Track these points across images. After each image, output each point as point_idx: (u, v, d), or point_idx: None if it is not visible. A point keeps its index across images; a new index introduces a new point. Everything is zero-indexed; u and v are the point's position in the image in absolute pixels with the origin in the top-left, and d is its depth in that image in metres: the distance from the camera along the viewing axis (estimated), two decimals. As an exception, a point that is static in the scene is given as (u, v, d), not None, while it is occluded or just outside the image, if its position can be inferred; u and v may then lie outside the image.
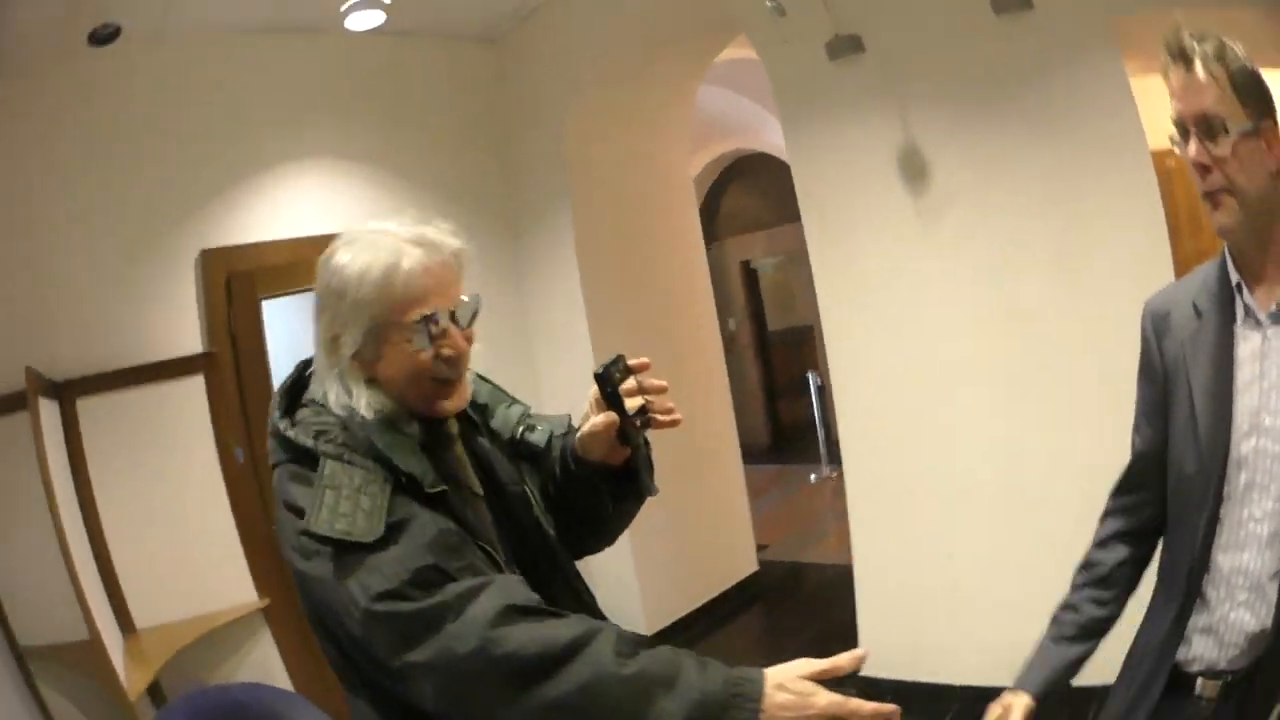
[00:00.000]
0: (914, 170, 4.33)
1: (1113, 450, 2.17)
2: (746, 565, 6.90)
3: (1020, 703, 1.98)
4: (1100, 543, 2.17)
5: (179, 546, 4.58)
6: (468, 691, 1.51)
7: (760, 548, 7.25)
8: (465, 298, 1.77)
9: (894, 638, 4.67)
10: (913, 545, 4.61)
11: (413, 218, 1.76)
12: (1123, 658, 2.13)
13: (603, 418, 1.84)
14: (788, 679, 1.49)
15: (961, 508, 4.40)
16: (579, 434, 1.93)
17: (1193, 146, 1.73)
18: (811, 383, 9.47)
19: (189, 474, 4.72)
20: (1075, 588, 2.16)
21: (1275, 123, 1.73)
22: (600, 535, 2.13)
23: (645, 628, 5.85)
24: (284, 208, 5.13)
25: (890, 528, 4.72)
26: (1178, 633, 1.94)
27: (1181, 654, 1.95)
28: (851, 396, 4.79)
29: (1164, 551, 2.09)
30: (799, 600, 6.84)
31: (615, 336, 5.67)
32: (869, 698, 1.46)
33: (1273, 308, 1.80)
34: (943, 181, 4.26)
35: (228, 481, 4.80)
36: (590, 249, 5.87)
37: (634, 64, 5.87)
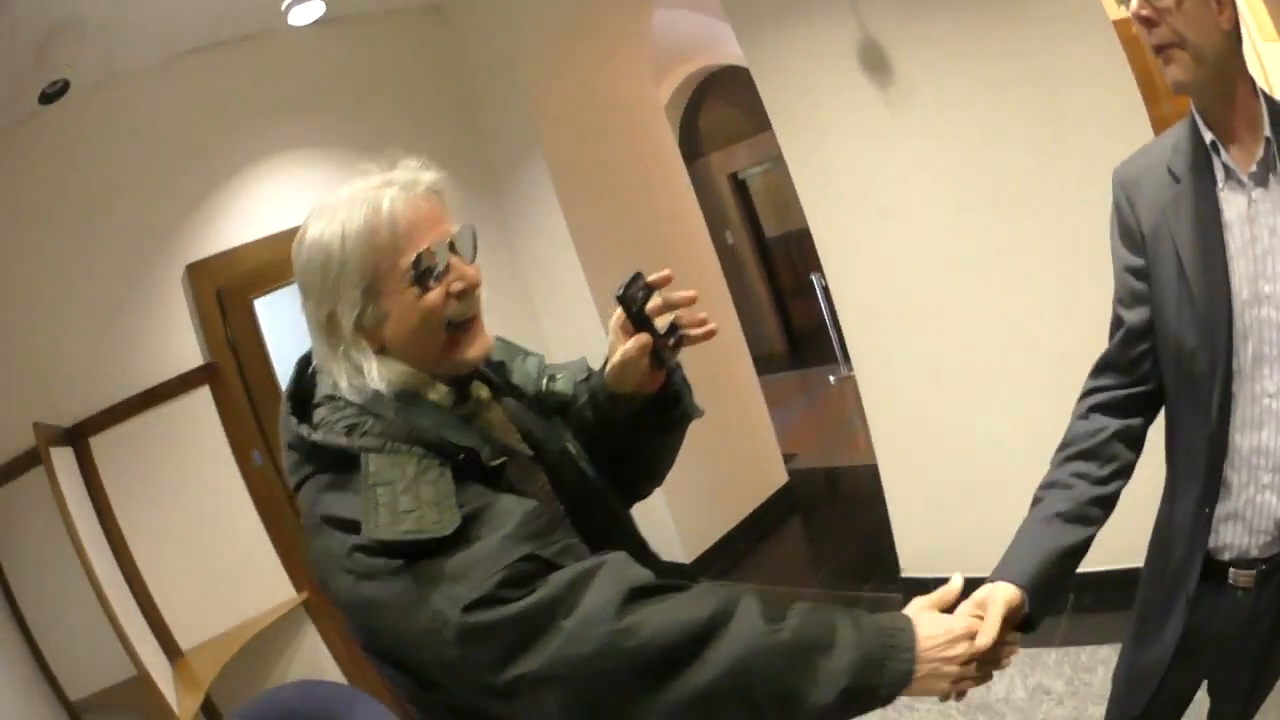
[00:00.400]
0: (874, 62, 4.25)
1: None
2: (777, 478, 6.90)
3: (999, 595, 1.67)
4: (1083, 416, 2.06)
5: (211, 560, 4.65)
6: (602, 697, 1.33)
7: (789, 457, 7.25)
8: (456, 228, 1.59)
9: (928, 535, 4.70)
10: (934, 441, 4.60)
11: (377, 167, 1.59)
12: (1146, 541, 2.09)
13: (634, 342, 1.66)
14: (921, 616, 1.48)
15: (973, 393, 4.39)
16: (608, 367, 1.75)
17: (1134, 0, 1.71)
18: (816, 284, 9.43)
19: (209, 486, 4.77)
20: (1059, 464, 2.01)
21: None
22: (651, 473, 1.97)
23: (684, 556, 5.89)
24: (260, 208, 5.12)
25: (910, 426, 4.71)
26: (1203, 518, 1.90)
27: (1211, 542, 1.91)
28: (850, 296, 4.76)
29: (1170, 431, 2.02)
30: (834, 506, 6.88)
31: (610, 270, 5.60)
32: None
33: (1253, 168, 1.77)
34: (905, 70, 4.19)
35: (249, 485, 4.85)
36: (570, 190, 5.83)
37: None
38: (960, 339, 4.38)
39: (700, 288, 1.71)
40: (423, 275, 1.51)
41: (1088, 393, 2.08)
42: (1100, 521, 1.91)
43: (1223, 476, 1.86)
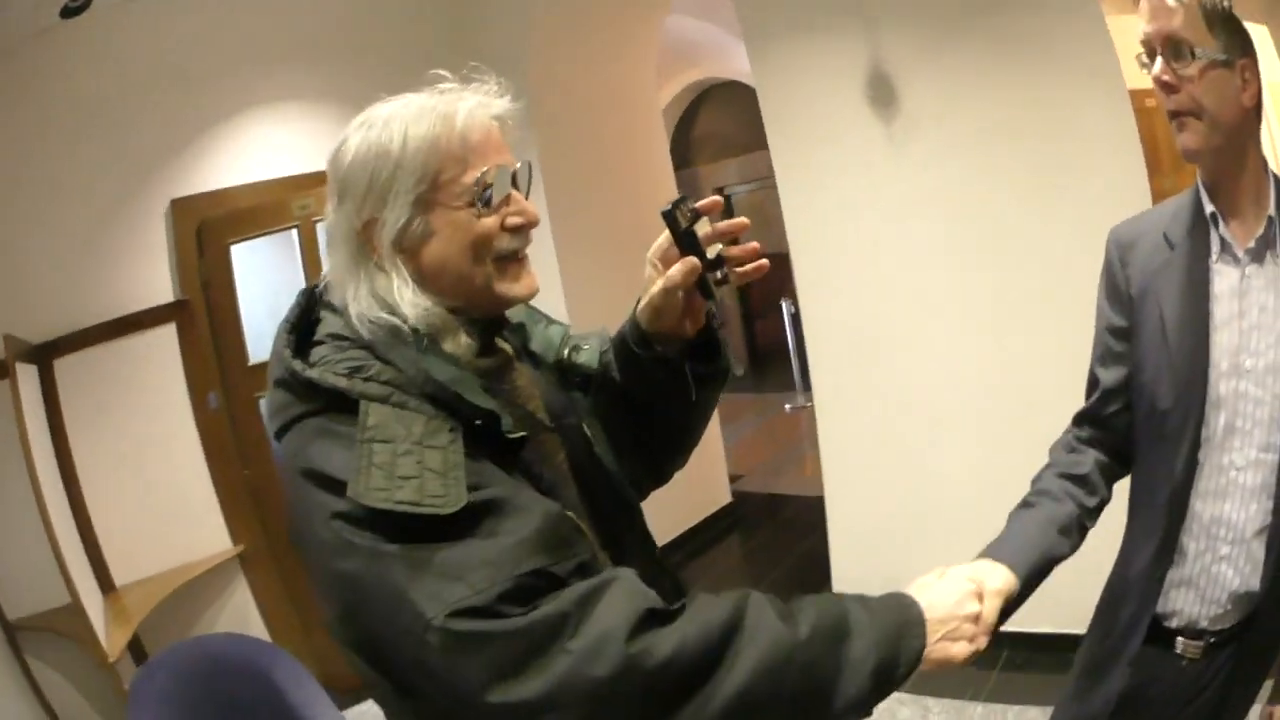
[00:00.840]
0: (882, 95, 4.27)
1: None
2: (721, 496, 6.93)
3: (998, 580, 1.59)
4: (1068, 448, 2.06)
5: (155, 499, 4.63)
6: None
7: (735, 478, 7.29)
8: (519, 164, 1.45)
9: (866, 569, 4.70)
10: (884, 476, 4.62)
11: (451, 78, 1.46)
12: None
13: (680, 266, 1.47)
14: (921, 588, 1.42)
15: (933, 437, 4.41)
16: (641, 304, 1.57)
17: (1157, 64, 1.71)
18: (785, 310, 9.46)
19: (163, 424, 4.75)
20: (1051, 478, 1.98)
21: (1254, 64, 1.71)
22: (680, 445, 1.77)
23: (619, 563, 5.84)
24: (252, 152, 5.09)
25: (861, 459, 4.73)
26: (1156, 580, 1.90)
27: (1160, 605, 1.91)
28: (821, 325, 4.76)
29: (1135, 487, 2.02)
30: (774, 530, 6.86)
31: (586, 270, 5.68)
32: None
33: (1251, 244, 1.77)
34: (912, 106, 4.21)
35: (200, 429, 4.82)
36: (557, 182, 5.76)
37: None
38: (925, 380, 4.40)
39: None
40: (487, 194, 1.37)
41: (1070, 434, 2.10)
42: (1074, 549, 1.88)
43: (1179, 542, 1.86)
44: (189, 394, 4.81)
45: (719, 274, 1.50)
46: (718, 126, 11.63)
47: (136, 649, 4.10)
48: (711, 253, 1.49)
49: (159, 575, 4.50)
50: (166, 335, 4.77)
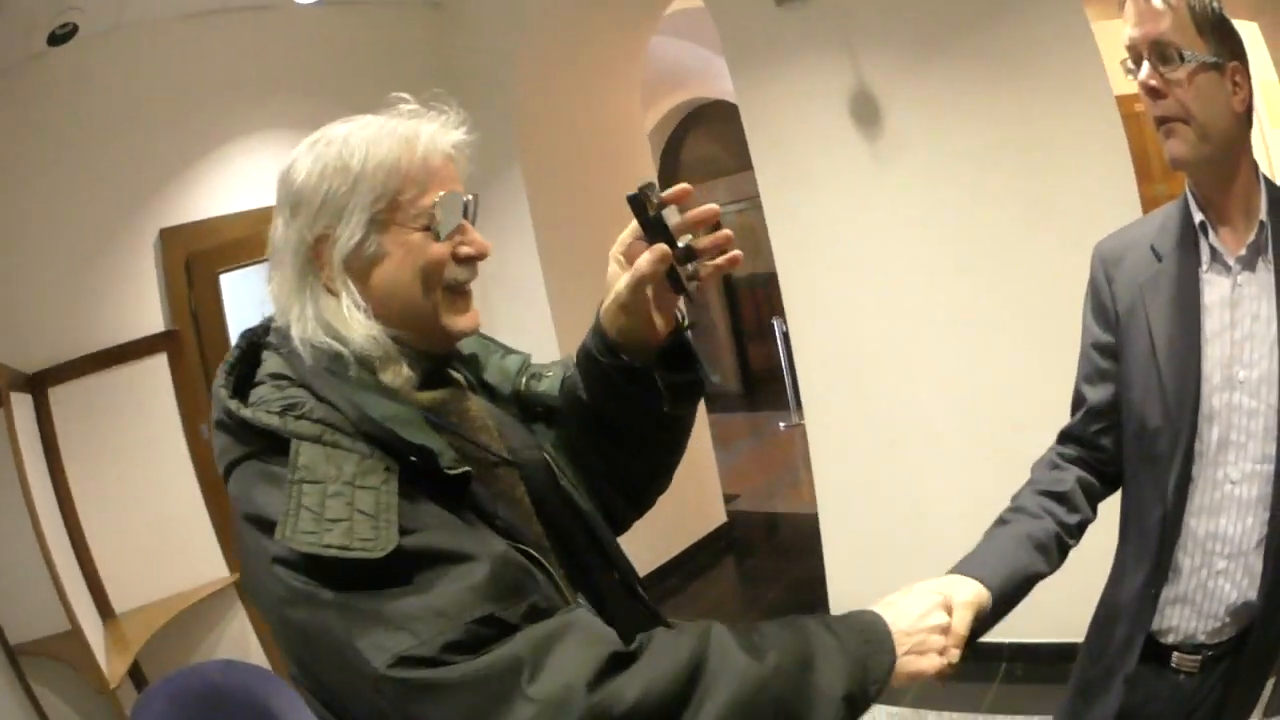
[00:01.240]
0: (867, 115, 4.28)
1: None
2: (716, 517, 6.93)
3: (966, 592, 1.56)
4: (1049, 465, 2.01)
5: (152, 527, 4.63)
6: None
7: (730, 498, 7.27)
8: (470, 195, 1.41)
9: (863, 588, 4.65)
10: (878, 495, 4.62)
11: (411, 103, 1.45)
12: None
13: (649, 254, 1.36)
14: (886, 605, 1.38)
15: (926, 456, 4.41)
16: (604, 307, 1.47)
17: (1144, 69, 1.66)
18: (777, 330, 9.45)
19: (158, 454, 4.75)
20: (1028, 495, 1.94)
21: (1245, 67, 1.67)
22: (659, 465, 1.67)
23: (615, 587, 5.83)
24: (240, 182, 5.10)
25: (855, 478, 4.72)
26: (1150, 598, 1.85)
27: (1155, 623, 1.87)
28: (811, 345, 4.77)
29: (1125, 509, 1.99)
30: (770, 551, 6.87)
31: (574, 294, 5.66)
32: None
33: (1242, 251, 1.73)
34: (897, 126, 4.22)
35: (195, 457, 4.81)
36: (543, 206, 5.81)
37: (580, 17, 5.82)
38: (916, 399, 4.40)
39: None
40: (443, 218, 1.34)
41: (1053, 451, 2.05)
42: (1054, 568, 1.82)
43: (1173, 559, 1.82)
44: (182, 424, 4.81)
45: (690, 267, 1.39)
46: (706, 147, 11.66)
47: (137, 675, 4.11)
48: (682, 243, 1.37)
49: (158, 602, 4.51)
50: (159, 365, 4.78)
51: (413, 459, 1.21)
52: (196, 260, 4.91)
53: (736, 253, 1.42)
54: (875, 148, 4.30)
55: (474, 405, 1.46)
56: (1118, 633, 1.93)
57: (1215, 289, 1.77)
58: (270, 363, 1.34)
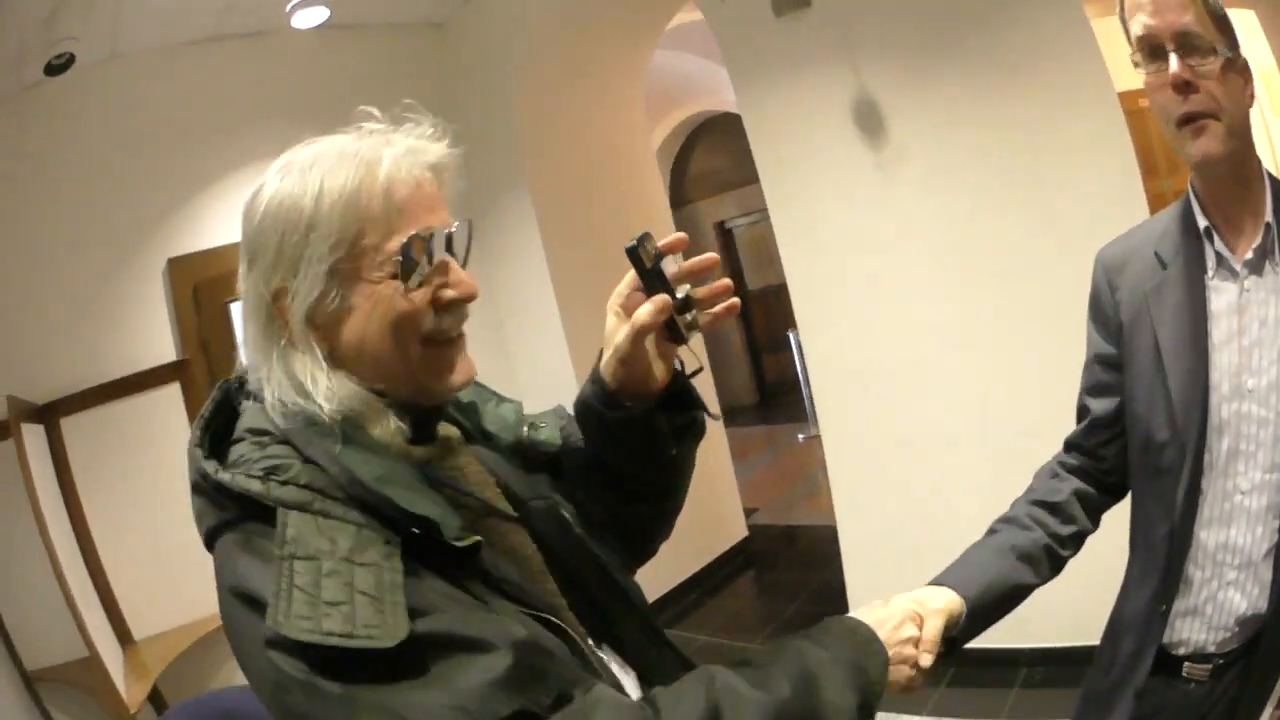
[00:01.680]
0: (870, 123, 4.26)
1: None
2: (736, 531, 6.91)
3: (943, 597, 1.60)
4: (1050, 474, 2.00)
5: (169, 554, 4.61)
6: None
7: (749, 512, 7.26)
8: (455, 224, 1.25)
9: (882, 598, 4.64)
10: (895, 504, 4.59)
11: (380, 118, 1.28)
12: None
13: (649, 307, 1.31)
14: (860, 614, 1.38)
15: (941, 463, 4.38)
16: (604, 360, 1.39)
17: (1175, 62, 1.56)
18: (793, 341, 9.43)
19: (173, 482, 4.66)
20: (1021, 505, 1.95)
21: (1246, 61, 1.62)
22: (661, 510, 1.61)
23: (637, 602, 5.81)
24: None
25: (871, 487, 4.70)
26: (1160, 612, 1.82)
27: (1166, 637, 1.83)
28: (823, 355, 4.76)
29: (1133, 522, 1.95)
30: (791, 564, 6.84)
31: (588, 315, 5.59)
32: None
33: (1249, 255, 1.67)
34: (901, 133, 4.20)
35: (209, 487, 4.80)
36: (553, 227, 5.81)
37: (583, 35, 5.83)
38: (930, 406, 4.37)
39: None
40: (412, 266, 1.17)
41: (1056, 459, 2.04)
42: (1045, 578, 1.82)
43: (1183, 572, 1.78)
44: (196, 453, 4.81)
45: (689, 316, 1.37)
46: (714, 160, 11.66)
47: (157, 701, 4.12)
48: (680, 293, 1.35)
49: (177, 629, 4.52)
50: (171, 395, 4.81)
51: (415, 530, 1.09)
52: (204, 289, 4.92)
53: (734, 300, 1.39)
54: (880, 157, 4.28)
55: (471, 460, 1.36)
56: (1126, 646, 1.90)
57: (1222, 295, 1.73)
58: (249, 415, 1.21)
